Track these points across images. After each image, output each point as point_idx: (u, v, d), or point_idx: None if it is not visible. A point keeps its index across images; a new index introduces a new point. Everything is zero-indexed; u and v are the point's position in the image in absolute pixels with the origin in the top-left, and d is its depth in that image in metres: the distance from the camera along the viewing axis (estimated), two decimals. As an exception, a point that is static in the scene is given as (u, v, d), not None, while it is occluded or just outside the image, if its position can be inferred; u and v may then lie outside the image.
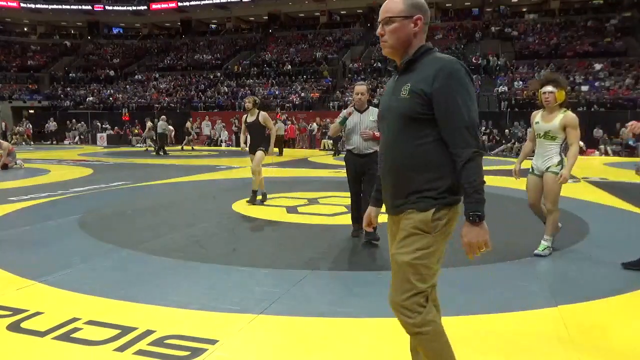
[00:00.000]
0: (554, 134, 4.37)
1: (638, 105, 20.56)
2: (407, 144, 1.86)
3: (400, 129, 1.87)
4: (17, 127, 27.29)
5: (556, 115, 4.35)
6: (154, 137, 19.66)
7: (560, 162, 4.39)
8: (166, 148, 18.77)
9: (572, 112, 4.35)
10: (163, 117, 18.85)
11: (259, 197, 7.39)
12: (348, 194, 5.33)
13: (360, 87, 4.92)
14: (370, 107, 4.92)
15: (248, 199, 7.30)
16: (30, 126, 27.35)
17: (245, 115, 7.51)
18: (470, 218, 1.81)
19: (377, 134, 4.69)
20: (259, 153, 7.26)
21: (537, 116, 4.57)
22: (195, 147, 21.82)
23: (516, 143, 19.17)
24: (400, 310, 1.86)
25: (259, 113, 7.29)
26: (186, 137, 21.46)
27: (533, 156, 4.72)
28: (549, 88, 4.32)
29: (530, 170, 4.73)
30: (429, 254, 1.87)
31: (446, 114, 1.78)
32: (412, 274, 1.84)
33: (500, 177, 11.02)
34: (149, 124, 21.00)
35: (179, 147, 21.28)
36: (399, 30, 1.91)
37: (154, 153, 18.55)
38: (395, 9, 1.90)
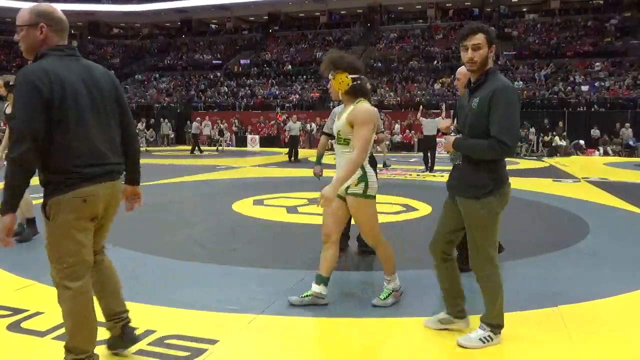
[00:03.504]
0: (345, 135, 3.13)
1: (638, 105, 20.56)
2: None
3: None
4: None
5: (347, 110, 3.16)
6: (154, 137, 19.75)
7: (363, 179, 3.11)
8: (169, 147, 18.99)
9: (368, 104, 3.10)
10: (198, 118, 20.54)
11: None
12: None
13: None
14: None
15: None
16: None
17: (6, 105, 4.95)
18: None
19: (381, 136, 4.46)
20: None
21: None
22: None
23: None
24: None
25: None
26: (219, 138, 22.17)
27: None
28: (329, 75, 3.16)
29: None
30: None
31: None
32: None
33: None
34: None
35: (215, 148, 21.59)
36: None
37: (190, 153, 18.94)
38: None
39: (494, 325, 2.67)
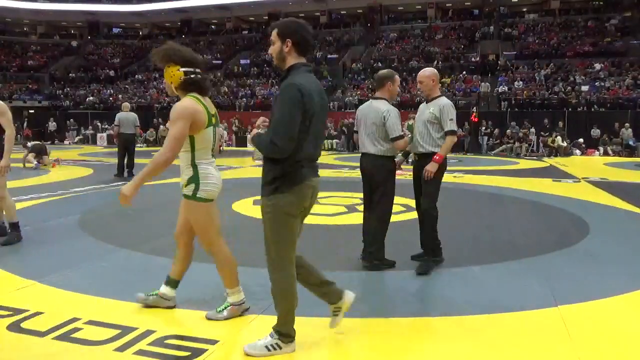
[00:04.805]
0: None
1: (638, 105, 20.56)
2: None
3: None
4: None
5: None
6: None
7: (194, 180, 2.92)
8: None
9: (190, 100, 2.88)
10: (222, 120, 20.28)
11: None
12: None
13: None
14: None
15: None
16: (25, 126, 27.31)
17: None
18: None
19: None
20: None
21: None
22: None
23: (516, 143, 19.18)
24: None
25: None
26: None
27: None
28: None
29: None
30: None
31: None
32: None
33: (500, 177, 11.02)
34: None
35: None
36: None
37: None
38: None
39: (282, 333, 2.57)
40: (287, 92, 2.39)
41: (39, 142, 13.86)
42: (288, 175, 2.43)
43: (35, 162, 12.31)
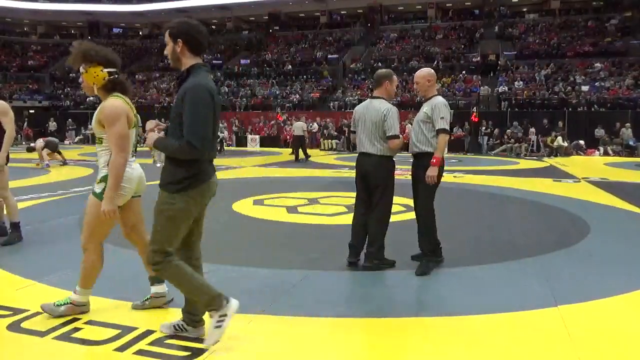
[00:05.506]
0: (99, 134, 2.95)
1: (638, 105, 20.56)
2: None
3: None
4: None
5: None
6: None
7: (105, 180, 2.86)
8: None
9: (116, 99, 2.87)
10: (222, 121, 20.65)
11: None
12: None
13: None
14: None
15: None
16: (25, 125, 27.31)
17: None
18: None
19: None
20: None
21: None
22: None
23: (516, 143, 19.18)
24: None
25: None
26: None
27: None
28: (81, 68, 2.95)
29: None
30: None
31: None
32: None
33: (501, 177, 11.02)
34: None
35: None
36: None
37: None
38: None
39: (212, 306, 2.58)
40: (199, 94, 2.44)
41: (53, 139, 13.87)
42: (195, 175, 2.50)
43: (46, 163, 12.38)
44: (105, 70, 2.90)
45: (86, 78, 2.91)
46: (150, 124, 2.70)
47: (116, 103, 2.84)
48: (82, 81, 2.97)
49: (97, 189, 2.90)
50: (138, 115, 3.09)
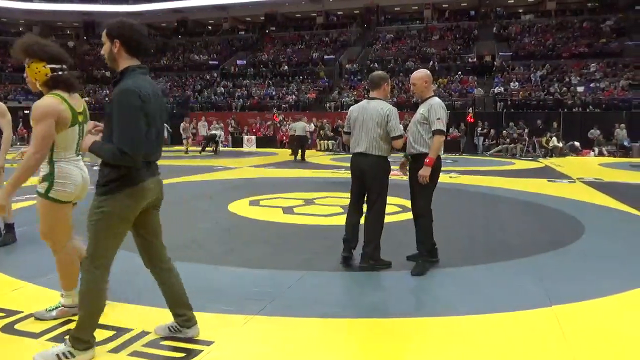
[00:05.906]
0: None
1: (633, 106, 20.66)
2: None
3: None
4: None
5: None
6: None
7: (48, 178, 2.81)
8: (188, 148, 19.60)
9: (51, 98, 2.74)
10: (186, 118, 21.30)
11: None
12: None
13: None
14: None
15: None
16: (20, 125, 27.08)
17: None
18: None
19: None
20: None
21: None
22: (189, 148, 21.34)
23: (512, 144, 19.23)
24: None
25: None
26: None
27: None
28: (25, 63, 2.85)
29: None
30: None
31: None
32: None
33: (497, 178, 11.06)
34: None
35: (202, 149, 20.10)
36: None
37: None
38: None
39: (79, 339, 2.44)
40: (127, 99, 2.34)
41: None
42: (123, 177, 2.39)
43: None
44: (49, 66, 2.78)
45: (29, 73, 2.81)
46: (88, 125, 2.62)
47: (48, 102, 2.72)
48: (26, 76, 2.86)
49: (40, 188, 2.82)
50: (87, 112, 2.96)
